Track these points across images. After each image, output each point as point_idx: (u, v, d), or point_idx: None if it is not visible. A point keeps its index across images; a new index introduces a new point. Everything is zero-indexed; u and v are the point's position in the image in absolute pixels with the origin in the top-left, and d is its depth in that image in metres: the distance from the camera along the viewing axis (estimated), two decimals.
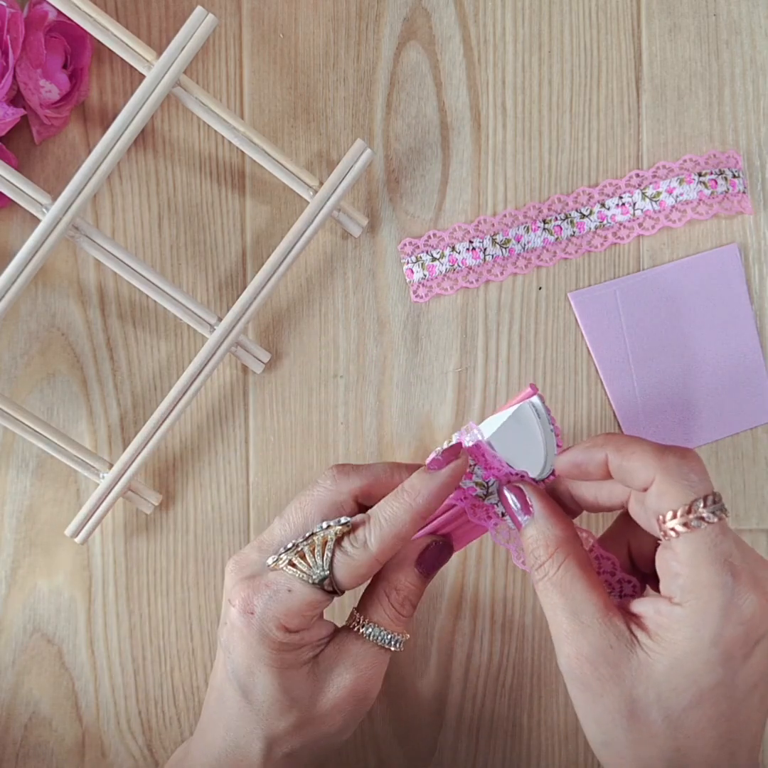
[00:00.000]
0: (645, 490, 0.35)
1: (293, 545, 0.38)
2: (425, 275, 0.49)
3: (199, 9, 0.44)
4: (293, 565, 0.38)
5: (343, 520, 0.38)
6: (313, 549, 0.38)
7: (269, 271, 0.47)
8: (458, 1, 0.49)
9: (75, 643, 0.50)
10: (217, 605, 0.50)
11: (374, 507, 0.38)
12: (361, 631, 0.39)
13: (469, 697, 0.50)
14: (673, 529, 0.33)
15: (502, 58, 0.49)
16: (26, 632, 0.50)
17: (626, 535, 0.40)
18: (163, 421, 0.47)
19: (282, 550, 0.38)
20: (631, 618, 0.35)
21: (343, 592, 0.38)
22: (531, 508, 0.37)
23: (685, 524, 0.33)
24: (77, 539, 0.48)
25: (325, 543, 0.38)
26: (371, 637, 0.39)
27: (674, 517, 0.33)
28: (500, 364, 0.49)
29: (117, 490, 0.47)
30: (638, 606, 0.35)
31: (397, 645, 0.39)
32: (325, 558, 0.37)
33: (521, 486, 0.38)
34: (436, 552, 0.40)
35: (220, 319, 0.47)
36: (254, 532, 0.50)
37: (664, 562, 0.34)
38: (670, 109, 0.50)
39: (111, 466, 0.47)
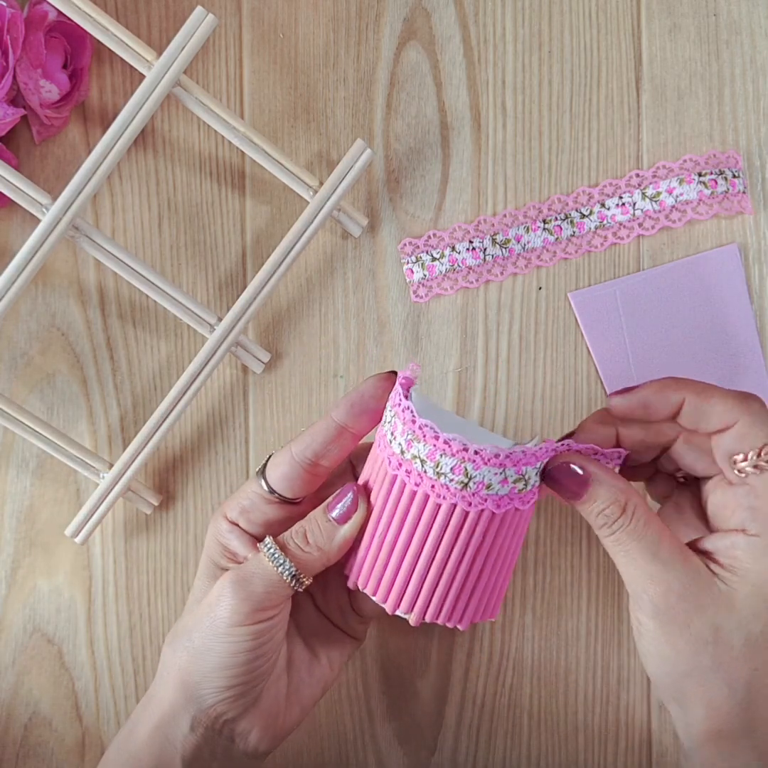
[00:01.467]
0: (719, 432, 0.37)
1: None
2: (425, 275, 0.49)
3: (199, 9, 0.44)
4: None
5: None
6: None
7: (269, 271, 0.47)
8: (458, 1, 0.49)
9: (75, 643, 0.50)
10: None
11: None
12: (265, 546, 0.39)
13: (469, 697, 0.50)
14: (755, 466, 0.36)
15: (502, 58, 0.49)
16: (26, 632, 0.50)
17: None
18: (163, 421, 0.47)
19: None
20: (705, 554, 0.37)
21: (283, 499, 0.41)
22: (589, 477, 0.38)
23: (757, 466, 0.36)
24: (77, 539, 0.48)
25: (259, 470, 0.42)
26: (267, 549, 0.39)
27: (758, 455, 0.36)
28: (500, 364, 0.49)
29: (117, 490, 0.47)
30: (709, 543, 0.38)
31: (294, 579, 0.39)
32: (258, 472, 0.41)
33: (568, 459, 0.38)
34: (343, 495, 0.40)
35: (220, 319, 0.47)
36: None
37: (735, 499, 0.37)
38: (670, 109, 0.50)
39: (111, 466, 0.47)
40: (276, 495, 0.40)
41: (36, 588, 0.49)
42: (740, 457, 0.37)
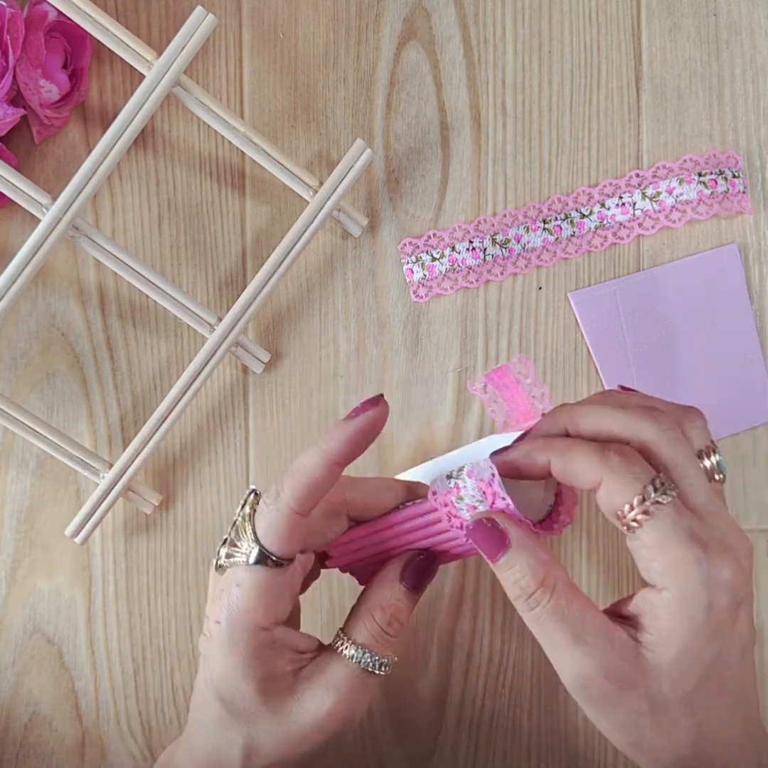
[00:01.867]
0: (593, 490, 0.35)
1: (223, 541, 0.38)
2: (425, 275, 0.49)
3: (199, 9, 0.44)
4: (230, 557, 0.37)
5: (249, 489, 0.38)
6: (238, 532, 0.37)
7: (269, 271, 0.47)
8: (458, 1, 0.49)
9: (75, 643, 0.50)
10: None
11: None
12: (343, 652, 0.38)
13: (469, 697, 0.50)
14: (634, 520, 0.34)
15: (502, 58, 0.49)
16: (26, 632, 0.50)
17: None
18: (163, 421, 0.47)
19: (217, 549, 0.38)
20: (627, 621, 0.35)
21: (289, 561, 0.37)
22: (507, 540, 0.36)
23: (643, 513, 0.34)
24: (77, 539, 0.48)
25: (245, 518, 0.37)
26: (354, 660, 0.37)
27: (631, 509, 0.34)
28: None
29: (117, 490, 0.47)
30: (629, 607, 0.36)
31: (383, 668, 0.38)
32: (248, 532, 0.36)
33: (493, 516, 0.36)
34: (421, 565, 0.39)
35: (220, 319, 0.47)
36: None
37: (636, 553, 0.35)
38: (670, 109, 0.50)
39: (111, 466, 0.47)
40: (281, 562, 0.37)
41: (36, 588, 0.49)
42: (620, 513, 0.34)
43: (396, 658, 0.39)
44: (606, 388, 0.49)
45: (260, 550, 0.36)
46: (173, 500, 0.50)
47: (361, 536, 0.40)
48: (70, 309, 0.49)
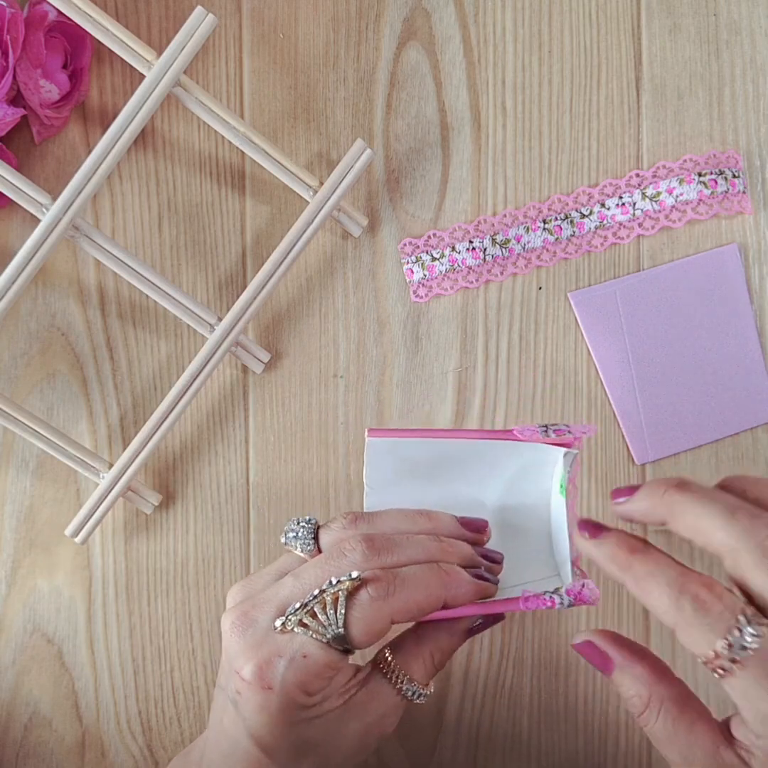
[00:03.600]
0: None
1: (302, 605, 0.36)
2: (425, 275, 0.49)
3: (199, 9, 0.44)
4: (304, 626, 0.36)
5: (353, 574, 0.36)
6: (325, 606, 0.35)
7: (269, 271, 0.47)
8: (458, 1, 0.49)
9: (75, 643, 0.50)
10: (217, 605, 0.50)
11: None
12: (399, 685, 0.38)
13: (469, 697, 0.50)
14: (721, 668, 0.32)
15: (502, 58, 0.49)
16: (26, 632, 0.50)
17: None
18: (163, 421, 0.47)
19: (291, 610, 0.36)
20: (736, 742, 0.34)
21: (355, 651, 0.36)
22: (611, 663, 0.36)
23: (730, 660, 0.31)
24: (77, 539, 0.48)
25: (337, 599, 0.35)
26: (407, 693, 0.38)
27: (715, 657, 0.31)
28: (500, 364, 0.49)
29: (117, 490, 0.47)
30: (736, 731, 0.34)
31: (422, 699, 0.39)
32: (338, 614, 0.35)
33: (591, 638, 0.36)
34: (488, 625, 0.41)
35: (220, 319, 0.47)
36: (254, 533, 0.50)
37: (731, 694, 0.33)
38: (670, 109, 0.50)
39: (111, 466, 0.47)
40: (351, 649, 0.36)
41: (36, 588, 0.49)
42: (703, 660, 0.32)
43: (432, 690, 0.40)
44: (606, 388, 0.49)
45: (342, 636, 0.35)
46: (173, 500, 0.50)
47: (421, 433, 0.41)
48: (70, 309, 0.49)
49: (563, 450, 0.40)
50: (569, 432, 0.40)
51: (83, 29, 0.44)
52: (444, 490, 0.42)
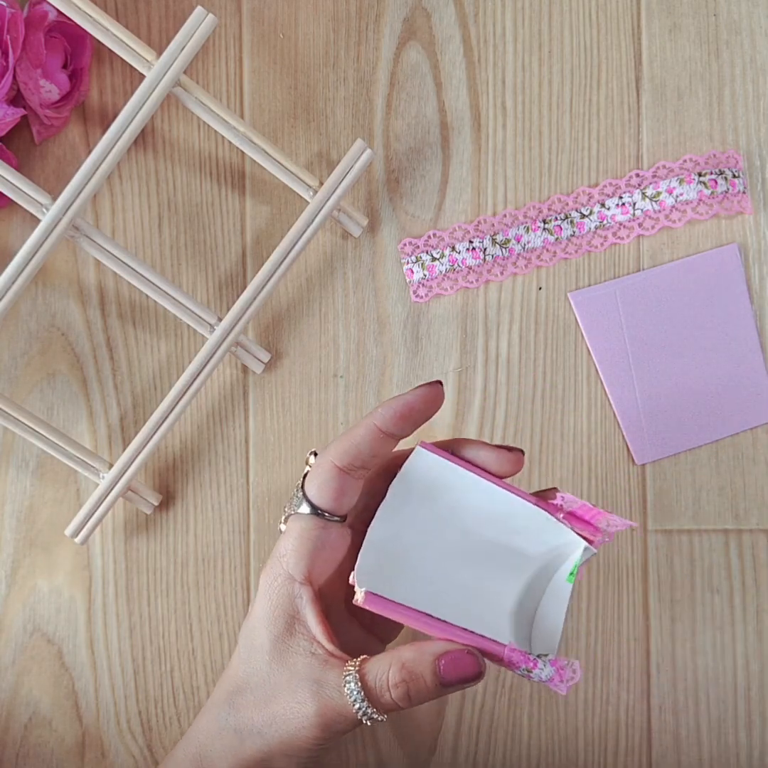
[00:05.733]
0: None
1: (286, 505, 0.41)
2: (425, 275, 0.49)
3: (199, 9, 0.44)
4: (285, 513, 0.40)
5: (311, 452, 0.41)
6: (295, 489, 0.40)
7: (269, 271, 0.47)
8: (458, 1, 0.49)
9: (75, 643, 0.50)
10: (216, 605, 0.50)
11: None
12: (345, 677, 0.36)
13: (469, 697, 0.50)
14: None
15: (502, 58, 0.49)
16: (26, 632, 0.50)
17: None
18: (163, 421, 0.47)
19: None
20: None
21: (333, 517, 0.39)
22: None
23: None
24: (77, 539, 0.48)
25: (301, 478, 0.40)
26: (348, 693, 0.36)
27: None
28: (500, 364, 0.49)
29: (117, 490, 0.47)
30: None
31: (369, 719, 0.36)
32: (299, 486, 0.39)
33: None
34: (465, 672, 0.36)
35: (220, 319, 0.47)
36: (254, 532, 0.50)
37: None
38: (670, 109, 0.50)
39: (111, 466, 0.47)
40: (325, 516, 0.39)
41: (36, 588, 0.49)
42: None
43: (383, 719, 0.37)
44: (606, 388, 0.49)
45: (304, 499, 0.39)
46: (173, 500, 0.50)
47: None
48: (70, 309, 0.49)
49: (584, 544, 0.38)
50: (607, 527, 0.38)
51: (83, 29, 0.44)
52: (456, 525, 0.40)
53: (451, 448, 0.40)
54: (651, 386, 0.49)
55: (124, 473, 0.47)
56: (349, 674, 0.36)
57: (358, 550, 0.38)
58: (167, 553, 0.50)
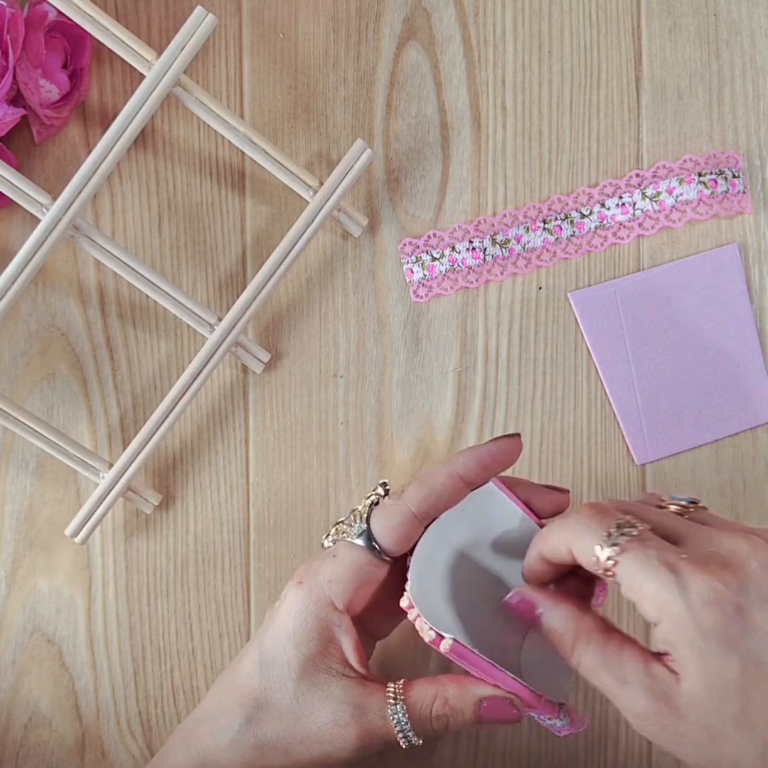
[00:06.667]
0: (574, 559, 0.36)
1: (338, 522, 0.40)
2: (425, 275, 0.49)
3: (199, 9, 0.44)
4: (336, 534, 0.40)
5: (379, 489, 0.41)
6: (355, 516, 0.40)
7: (269, 271, 0.47)
8: (458, 1, 0.49)
9: (75, 643, 0.50)
10: (217, 605, 0.50)
11: None
12: (389, 703, 0.38)
13: None
14: (607, 569, 0.34)
15: (502, 58, 0.49)
16: (26, 632, 0.50)
17: None
18: (163, 421, 0.47)
19: (331, 529, 0.40)
20: (662, 657, 0.35)
21: (391, 558, 0.39)
22: (535, 606, 0.37)
23: (609, 558, 0.34)
24: (77, 539, 0.48)
25: (366, 507, 0.40)
26: (394, 721, 0.37)
27: (603, 560, 0.34)
28: (500, 364, 0.49)
29: (117, 490, 0.47)
30: (658, 642, 0.35)
31: (410, 743, 0.38)
32: (363, 516, 0.39)
33: (520, 593, 0.37)
34: (499, 702, 0.38)
35: (220, 319, 0.47)
36: (254, 533, 0.50)
37: (626, 597, 0.35)
38: (670, 109, 0.50)
39: (111, 466, 0.47)
40: (380, 554, 0.39)
41: (36, 588, 0.49)
42: (595, 565, 0.35)
43: (421, 742, 0.38)
44: (606, 388, 0.49)
45: (367, 533, 0.39)
46: (173, 500, 0.50)
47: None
48: (70, 309, 0.49)
49: None
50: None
51: (83, 29, 0.44)
52: (492, 556, 0.41)
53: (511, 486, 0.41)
54: (651, 386, 0.49)
55: (124, 473, 0.47)
56: (394, 701, 0.37)
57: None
58: (167, 553, 0.50)
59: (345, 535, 0.39)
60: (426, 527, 0.39)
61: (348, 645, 0.39)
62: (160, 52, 0.44)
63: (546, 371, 0.50)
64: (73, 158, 0.49)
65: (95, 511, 0.47)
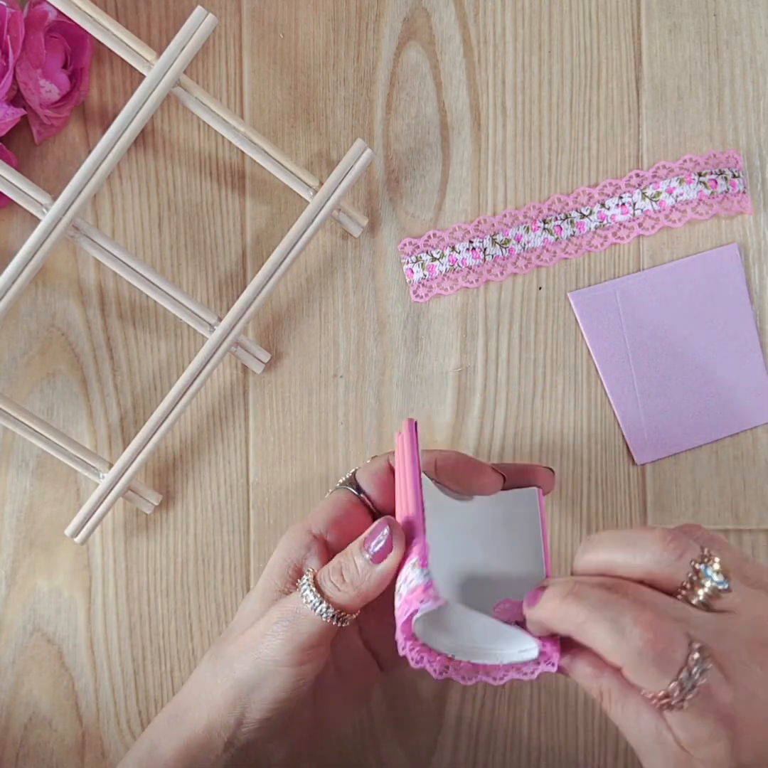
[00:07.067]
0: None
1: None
2: (425, 275, 0.49)
3: (199, 9, 0.44)
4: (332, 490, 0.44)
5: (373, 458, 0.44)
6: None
7: (269, 271, 0.47)
8: (458, 1, 0.49)
9: (75, 643, 0.50)
10: (216, 605, 0.50)
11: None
12: (301, 589, 0.38)
13: (469, 697, 0.50)
14: (667, 705, 0.32)
15: (502, 58, 0.49)
16: (26, 632, 0.50)
17: None
18: (163, 421, 0.47)
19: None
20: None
21: (371, 501, 0.42)
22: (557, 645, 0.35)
23: (666, 705, 0.32)
24: (77, 539, 0.48)
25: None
26: (306, 601, 0.37)
27: (665, 697, 0.32)
28: (500, 364, 0.49)
29: (117, 490, 0.47)
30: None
31: (333, 620, 0.37)
32: (352, 470, 0.43)
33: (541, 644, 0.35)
34: (378, 532, 0.38)
35: (220, 319, 0.47)
36: (254, 532, 0.50)
37: (671, 721, 0.33)
38: (670, 109, 0.50)
39: (111, 466, 0.47)
40: (362, 497, 0.42)
41: (36, 588, 0.49)
42: (649, 696, 0.32)
43: (352, 618, 0.38)
44: (606, 388, 0.49)
45: (352, 479, 0.43)
46: (173, 500, 0.50)
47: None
48: (70, 309, 0.49)
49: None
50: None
51: (83, 29, 0.44)
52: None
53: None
54: (651, 386, 0.49)
55: (124, 473, 0.47)
56: (304, 584, 0.38)
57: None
58: (167, 553, 0.50)
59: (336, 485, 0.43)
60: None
61: (315, 565, 0.40)
62: (160, 52, 0.44)
63: (546, 371, 0.50)
64: (73, 158, 0.49)
65: (95, 511, 0.47)
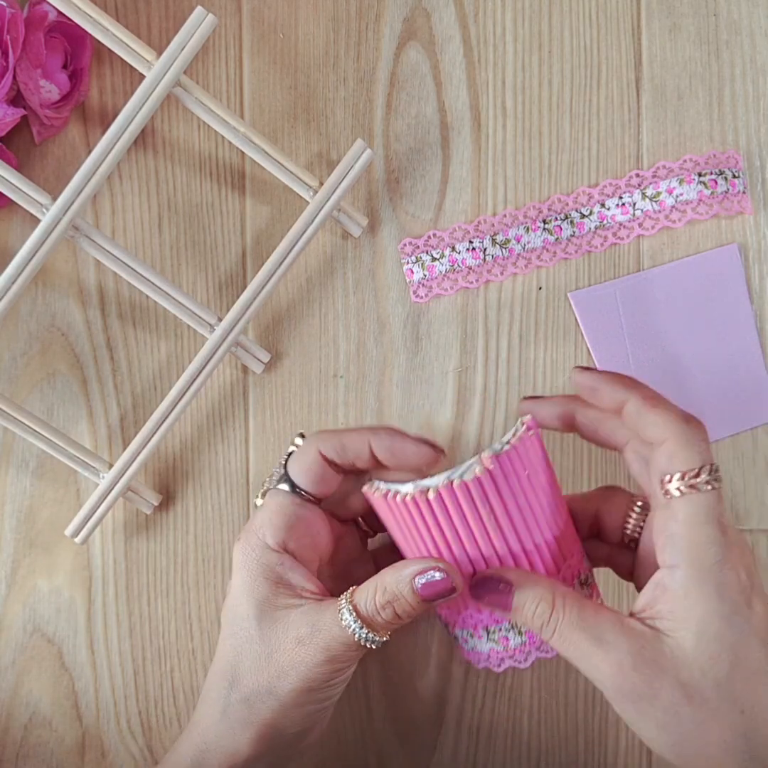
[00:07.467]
0: (654, 445, 0.37)
1: (265, 479, 0.43)
2: (425, 275, 0.49)
3: (199, 9, 0.44)
4: (263, 486, 0.42)
5: (299, 434, 0.43)
6: (277, 467, 0.42)
7: (269, 271, 0.47)
8: (458, 1, 0.49)
9: (75, 643, 0.50)
10: (217, 605, 0.50)
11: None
12: (339, 610, 0.38)
13: (469, 697, 0.50)
14: (678, 489, 0.35)
15: (502, 58, 0.49)
16: (26, 632, 0.50)
17: (599, 502, 0.42)
18: (163, 421, 0.47)
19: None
20: (641, 614, 0.36)
21: (312, 497, 0.41)
22: (511, 585, 0.37)
23: (690, 486, 0.35)
24: (77, 539, 0.48)
25: (284, 458, 0.42)
26: (346, 624, 0.38)
27: (682, 478, 0.35)
28: (500, 364, 0.49)
29: (117, 490, 0.47)
30: (639, 601, 0.36)
31: (370, 643, 0.38)
32: (282, 464, 0.41)
33: (490, 573, 0.37)
34: (432, 578, 0.38)
35: (220, 319, 0.47)
36: None
37: (661, 526, 0.36)
38: (670, 109, 0.50)
39: (111, 466, 0.47)
40: (303, 494, 0.41)
41: (36, 588, 0.49)
42: (667, 477, 0.36)
43: (385, 638, 0.38)
44: None
45: (286, 477, 0.41)
46: (173, 500, 0.50)
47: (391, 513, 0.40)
48: (70, 309, 0.49)
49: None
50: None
51: (83, 29, 0.44)
52: None
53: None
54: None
55: (124, 473, 0.47)
56: (342, 607, 0.38)
57: (337, 538, 0.42)
58: (167, 553, 0.50)
59: (268, 485, 0.42)
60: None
61: (299, 578, 0.39)
62: (160, 52, 0.44)
63: (546, 371, 0.50)
64: (73, 158, 0.49)
65: (95, 511, 0.47)
